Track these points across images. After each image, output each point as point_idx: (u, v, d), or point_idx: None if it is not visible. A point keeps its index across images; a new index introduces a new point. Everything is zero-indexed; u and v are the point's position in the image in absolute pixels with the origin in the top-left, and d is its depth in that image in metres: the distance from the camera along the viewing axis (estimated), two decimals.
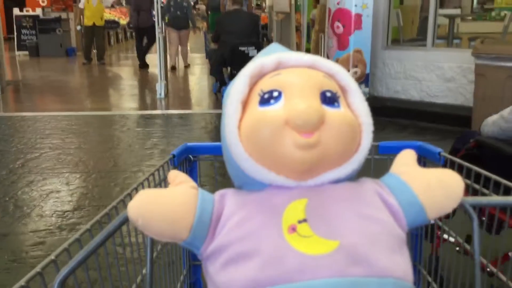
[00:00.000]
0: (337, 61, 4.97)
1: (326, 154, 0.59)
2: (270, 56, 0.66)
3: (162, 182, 0.98)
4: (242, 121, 0.61)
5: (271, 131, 0.57)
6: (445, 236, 1.18)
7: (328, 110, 0.60)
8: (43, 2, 13.11)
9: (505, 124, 1.72)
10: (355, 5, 5.05)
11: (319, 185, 0.60)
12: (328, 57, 5.11)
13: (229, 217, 0.59)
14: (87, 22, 9.62)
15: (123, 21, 13.32)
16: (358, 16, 5.04)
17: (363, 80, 5.19)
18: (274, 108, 0.59)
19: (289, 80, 0.61)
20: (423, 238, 1.24)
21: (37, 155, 3.84)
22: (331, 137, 0.58)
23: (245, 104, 0.63)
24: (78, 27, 10.12)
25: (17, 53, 11.60)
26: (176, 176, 0.65)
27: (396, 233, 0.59)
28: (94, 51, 10.23)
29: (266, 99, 0.60)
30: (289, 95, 0.60)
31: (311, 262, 0.53)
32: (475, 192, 1.07)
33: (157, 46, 6.48)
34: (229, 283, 0.55)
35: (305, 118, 0.56)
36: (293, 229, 0.56)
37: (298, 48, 8.04)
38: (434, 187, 0.63)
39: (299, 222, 0.56)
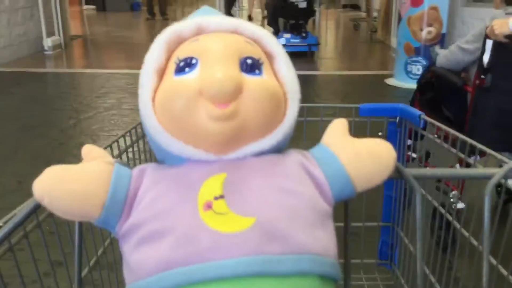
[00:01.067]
0: (409, 19, 4.57)
1: (246, 126, 0.56)
2: (189, 20, 0.63)
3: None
4: (157, 92, 0.59)
5: (184, 102, 0.55)
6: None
7: (248, 78, 0.56)
8: None
9: (451, 55, 1.94)
10: None
11: (241, 158, 0.57)
12: (399, 15, 4.81)
13: (145, 193, 0.57)
14: None
15: None
16: None
17: (438, 41, 4.56)
18: (189, 77, 0.56)
19: (206, 46, 0.58)
20: (397, 200, 1.24)
21: (90, 115, 3.73)
22: (250, 107, 0.55)
23: (162, 74, 0.60)
24: None
25: (84, 7, 11.85)
26: (90, 151, 0.62)
27: (319, 207, 0.57)
28: (157, 5, 10.29)
29: (182, 68, 0.57)
30: (205, 62, 0.56)
31: (225, 241, 0.51)
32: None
33: None
34: (141, 263, 0.54)
35: (219, 88, 0.53)
36: (208, 206, 0.53)
37: (368, 3, 7.81)
38: (363, 158, 0.59)
39: (216, 198, 0.54)
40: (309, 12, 5.95)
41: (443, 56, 2.01)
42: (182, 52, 0.59)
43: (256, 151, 0.58)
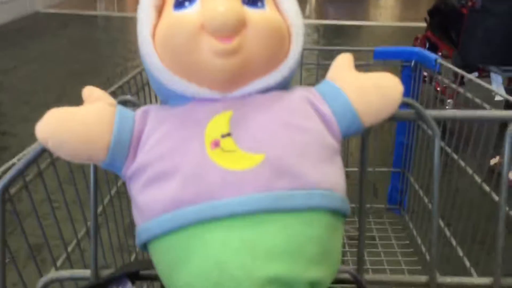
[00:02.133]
0: None
1: (250, 61, 0.54)
2: None
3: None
4: (157, 28, 0.56)
5: (185, 37, 0.53)
6: None
7: (250, 11, 0.54)
8: None
9: None
10: None
11: (246, 95, 0.56)
12: None
13: (150, 134, 0.56)
14: None
15: None
16: None
17: None
18: (190, 12, 0.54)
19: None
20: (413, 147, 1.23)
21: (138, 63, 3.60)
22: (254, 41, 0.53)
23: (161, 9, 0.58)
24: None
25: None
26: (92, 93, 0.61)
27: (327, 143, 0.55)
28: None
29: (181, 2, 0.55)
30: None
31: (235, 178, 0.50)
32: (466, 101, 1.04)
33: None
34: (150, 203, 0.53)
35: (222, 21, 0.51)
36: (216, 144, 0.52)
37: None
38: (370, 92, 0.58)
39: (223, 136, 0.52)
40: None
41: None
42: None
43: (261, 87, 0.56)
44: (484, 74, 2.30)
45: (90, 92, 0.61)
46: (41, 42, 4.32)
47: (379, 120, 0.59)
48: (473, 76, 1.04)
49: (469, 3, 2.10)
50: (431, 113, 0.63)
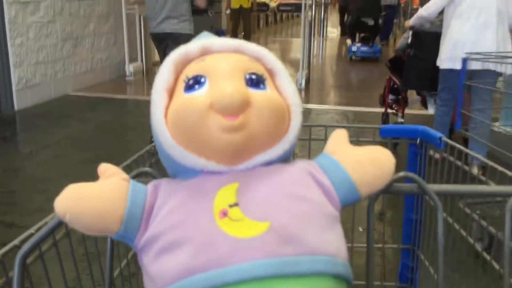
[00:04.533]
0: None
1: (254, 137, 0.59)
2: (194, 42, 0.67)
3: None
4: (168, 109, 0.62)
5: (196, 116, 0.58)
6: None
7: (254, 92, 0.60)
8: None
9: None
10: None
11: (250, 168, 0.61)
12: None
13: (161, 206, 0.60)
14: (234, 4, 9.42)
15: (273, 3, 12.81)
16: None
17: None
18: (199, 93, 0.60)
19: (213, 64, 0.62)
20: (422, 223, 1.23)
21: None
22: (257, 118, 0.59)
23: (171, 92, 0.64)
24: (227, 11, 9.92)
25: None
26: (107, 169, 0.65)
27: (328, 212, 0.59)
28: (241, 34, 9.97)
29: (191, 85, 0.61)
30: (214, 79, 0.60)
31: (243, 245, 0.54)
32: (472, 179, 1.06)
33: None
34: (162, 272, 0.56)
35: (228, 100, 0.57)
36: (224, 213, 0.56)
37: None
38: (365, 163, 0.63)
39: (230, 206, 0.57)
40: (375, 28, 8.28)
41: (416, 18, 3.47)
42: (190, 71, 0.63)
43: (264, 161, 0.61)
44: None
45: (105, 168, 0.66)
46: (66, 126, 4.24)
47: (374, 191, 0.64)
48: (478, 155, 1.05)
49: (406, 53, 3.56)
50: (433, 187, 0.66)
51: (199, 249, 0.54)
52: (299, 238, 0.55)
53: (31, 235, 0.63)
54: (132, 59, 6.57)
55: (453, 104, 3.22)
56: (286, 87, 0.65)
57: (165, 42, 3.83)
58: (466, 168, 1.07)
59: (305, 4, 6.12)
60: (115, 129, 4.20)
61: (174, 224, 0.57)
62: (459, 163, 1.09)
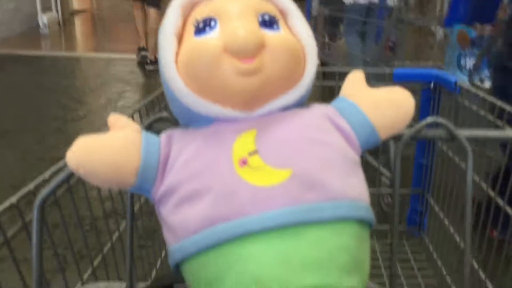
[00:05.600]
0: None
1: (270, 80, 0.57)
2: None
3: None
4: (178, 55, 0.60)
5: (209, 60, 0.56)
6: None
7: (268, 33, 0.57)
8: None
9: None
10: None
11: (267, 114, 0.59)
12: None
13: (177, 156, 0.58)
14: None
15: None
16: None
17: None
18: (211, 36, 0.57)
19: (223, 5, 0.59)
20: (433, 168, 1.23)
21: (80, 115, 2.97)
22: (273, 61, 0.56)
23: (180, 38, 0.61)
24: None
25: None
26: (117, 120, 0.63)
27: (349, 156, 0.58)
28: None
29: (202, 28, 0.58)
30: (225, 21, 0.58)
31: (265, 194, 0.52)
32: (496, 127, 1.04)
33: None
34: (183, 222, 0.55)
35: (243, 43, 0.54)
36: (244, 162, 0.54)
37: None
38: (384, 105, 0.62)
39: (250, 154, 0.55)
40: None
41: None
42: (199, 14, 0.60)
43: (281, 106, 0.59)
44: None
45: (115, 119, 0.63)
46: None
47: (394, 132, 0.62)
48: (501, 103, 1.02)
49: None
50: (463, 132, 0.64)
51: (219, 199, 0.53)
52: (322, 183, 0.53)
53: (45, 180, 0.63)
54: (46, 9, 5.78)
55: None
56: (299, 27, 0.62)
57: None
58: (482, 112, 1.05)
59: None
60: (24, 93, 3.54)
61: (193, 174, 0.56)
62: (474, 107, 1.07)
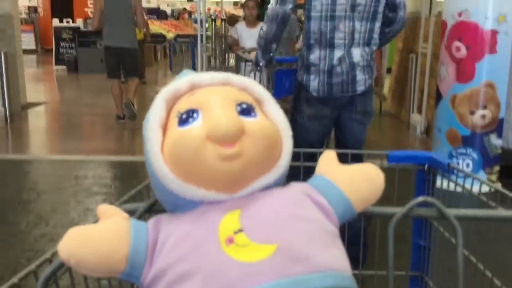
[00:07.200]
0: (454, 98, 3.51)
1: (250, 163, 0.61)
2: (182, 79, 0.70)
3: None
4: (164, 145, 0.64)
5: (194, 148, 0.60)
6: None
7: (247, 120, 0.63)
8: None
9: None
10: (487, 17, 3.37)
11: (249, 194, 0.63)
12: (438, 91, 3.70)
13: (165, 240, 0.61)
14: None
15: (171, 34, 11.65)
16: (493, 34, 3.39)
17: (494, 128, 3.50)
18: (194, 126, 0.62)
19: (204, 97, 0.65)
20: (431, 249, 1.22)
21: (13, 242, 2.40)
22: (252, 145, 0.61)
23: (164, 129, 0.66)
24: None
25: (55, 67, 10.64)
26: (107, 210, 0.66)
27: (328, 229, 0.62)
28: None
29: (185, 119, 0.63)
30: (207, 111, 0.63)
31: (253, 269, 0.55)
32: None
33: None
34: None
35: (225, 130, 0.59)
36: (230, 240, 0.57)
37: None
38: (358, 181, 0.66)
39: (235, 232, 0.58)
40: None
41: None
42: (182, 106, 0.65)
43: (262, 186, 0.64)
44: None
45: (104, 210, 0.66)
46: None
47: (368, 206, 0.67)
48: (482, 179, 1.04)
49: None
50: (452, 211, 0.66)
51: (209, 278, 0.55)
52: (306, 256, 0.56)
53: (47, 260, 0.64)
54: None
55: None
56: (274, 113, 0.69)
57: None
58: (475, 194, 1.07)
59: (201, 36, 5.93)
60: None
61: (181, 256, 0.58)
62: (468, 187, 1.09)
